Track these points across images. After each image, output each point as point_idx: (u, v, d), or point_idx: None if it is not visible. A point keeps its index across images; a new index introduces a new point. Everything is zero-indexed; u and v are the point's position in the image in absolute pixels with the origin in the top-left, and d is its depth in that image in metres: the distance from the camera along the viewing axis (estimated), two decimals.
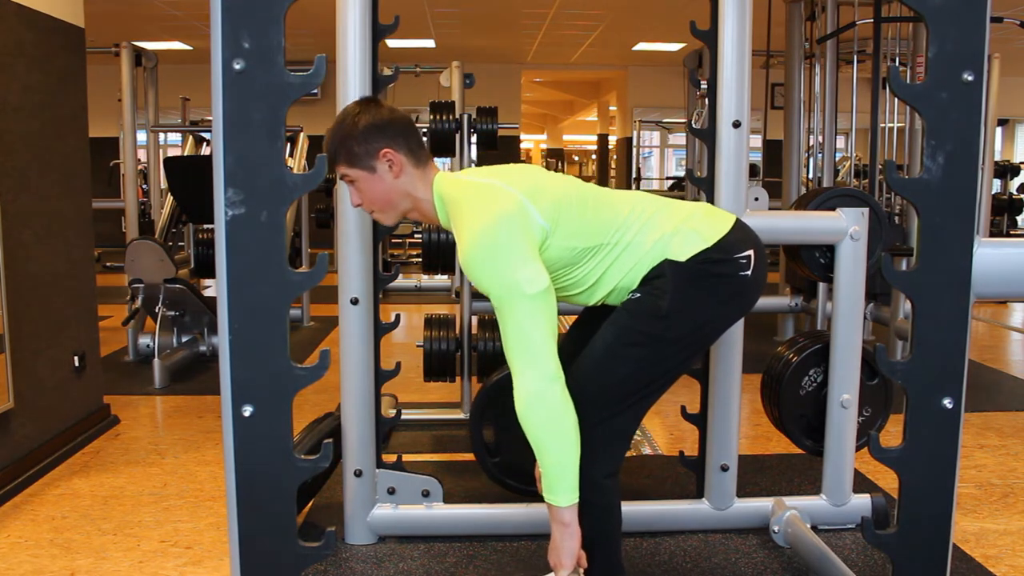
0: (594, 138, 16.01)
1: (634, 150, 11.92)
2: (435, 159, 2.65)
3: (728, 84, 2.26)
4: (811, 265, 2.49)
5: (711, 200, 2.31)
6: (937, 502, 1.80)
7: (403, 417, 3.03)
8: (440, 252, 3.44)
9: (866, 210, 2.34)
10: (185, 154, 5.85)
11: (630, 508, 2.33)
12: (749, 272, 1.79)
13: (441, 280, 7.41)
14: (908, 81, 1.72)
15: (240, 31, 1.58)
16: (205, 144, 6.00)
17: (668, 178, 14.17)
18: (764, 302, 4.82)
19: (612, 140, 13.85)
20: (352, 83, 2.23)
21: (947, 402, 1.77)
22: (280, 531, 1.70)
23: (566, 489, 1.65)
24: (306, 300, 5.91)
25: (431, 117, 3.55)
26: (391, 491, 2.41)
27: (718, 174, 2.30)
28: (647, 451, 3.32)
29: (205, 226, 5.18)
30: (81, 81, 3.37)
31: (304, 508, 2.63)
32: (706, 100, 2.38)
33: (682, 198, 2.65)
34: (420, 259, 4.40)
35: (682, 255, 1.75)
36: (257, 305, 1.64)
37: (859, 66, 4.69)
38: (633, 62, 11.19)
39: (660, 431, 3.57)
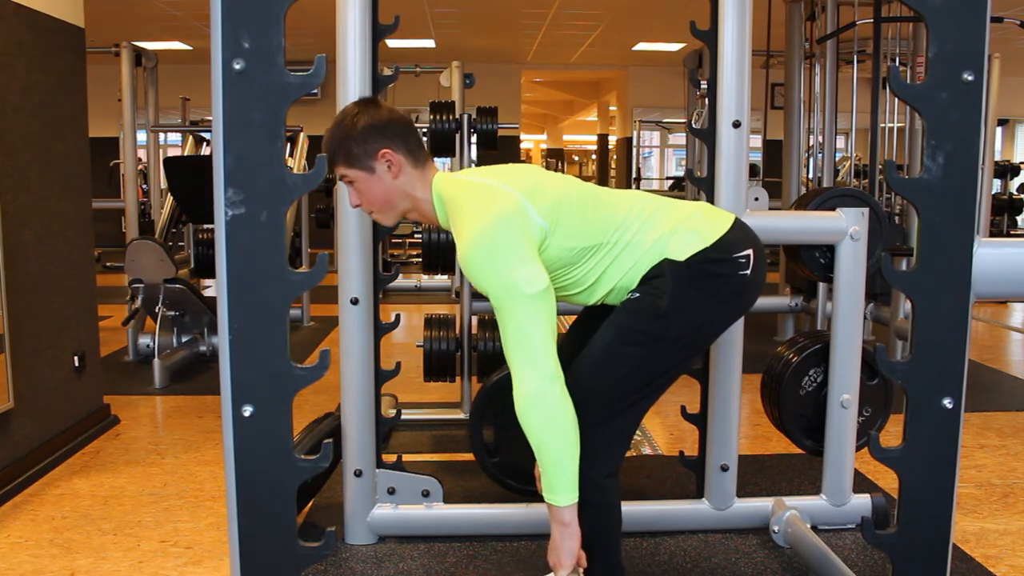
0: (594, 138, 16.00)
1: (634, 150, 11.92)
2: (435, 159, 2.66)
3: (728, 84, 2.26)
4: (811, 265, 2.49)
5: (711, 200, 2.31)
6: (937, 502, 1.80)
7: (403, 417, 3.03)
8: (440, 252, 3.44)
9: (866, 210, 2.34)
10: (185, 154, 5.85)
11: (630, 508, 2.33)
12: (748, 272, 1.79)
13: (441, 280, 7.42)
14: (908, 81, 1.72)
15: (240, 31, 1.58)
16: (205, 144, 6.00)
17: (668, 178, 14.17)
18: (764, 302, 4.82)
19: (612, 140, 13.85)
20: (352, 83, 2.23)
21: (947, 402, 1.77)
22: (280, 531, 1.70)
23: (566, 489, 1.65)
24: (306, 300, 5.91)
25: (431, 117, 3.55)
26: (391, 491, 2.41)
27: (718, 174, 2.30)
28: (647, 451, 3.32)
29: (205, 226, 5.18)
30: (81, 81, 3.37)
31: (304, 508, 2.63)
32: (706, 100, 2.38)
33: (682, 198, 2.65)
34: (420, 259, 4.40)
35: (681, 254, 1.74)
36: (257, 305, 1.64)
37: (859, 66, 4.69)
38: (633, 62, 11.19)
39: (660, 431, 3.57)
